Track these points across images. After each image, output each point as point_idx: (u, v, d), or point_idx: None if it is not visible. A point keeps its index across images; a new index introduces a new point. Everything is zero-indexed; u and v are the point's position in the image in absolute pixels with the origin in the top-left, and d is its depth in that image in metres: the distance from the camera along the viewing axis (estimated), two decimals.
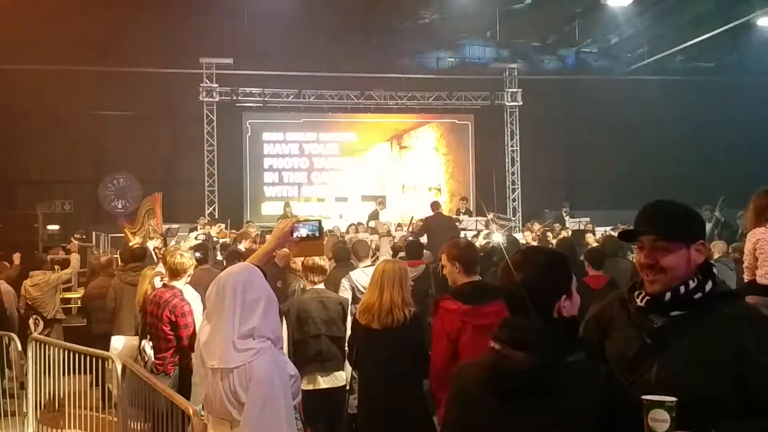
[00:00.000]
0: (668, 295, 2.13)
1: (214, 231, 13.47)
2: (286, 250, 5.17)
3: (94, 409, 6.45)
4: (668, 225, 2.17)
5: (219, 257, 10.54)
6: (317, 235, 3.27)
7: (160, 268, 5.77)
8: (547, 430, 1.93)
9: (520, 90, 19.86)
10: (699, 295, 2.14)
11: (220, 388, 2.84)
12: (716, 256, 8.46)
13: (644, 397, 1.87)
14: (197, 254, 6.70)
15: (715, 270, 2.24)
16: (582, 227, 14.78)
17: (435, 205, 13.04)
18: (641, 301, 2.19)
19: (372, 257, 7.47)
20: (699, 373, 2.00)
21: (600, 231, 13.58)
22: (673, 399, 1.84)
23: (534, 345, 1.95)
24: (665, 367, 2.04)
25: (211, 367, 2.89)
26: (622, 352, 2.16)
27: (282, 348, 3.19)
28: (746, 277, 4.43)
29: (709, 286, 2.15)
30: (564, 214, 17.11)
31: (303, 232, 3.24)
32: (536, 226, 15.10)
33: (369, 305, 4.31)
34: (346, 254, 7.43)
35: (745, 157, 18.73)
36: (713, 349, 2.03)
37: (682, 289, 2.13)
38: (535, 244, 11.96)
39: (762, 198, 4.35)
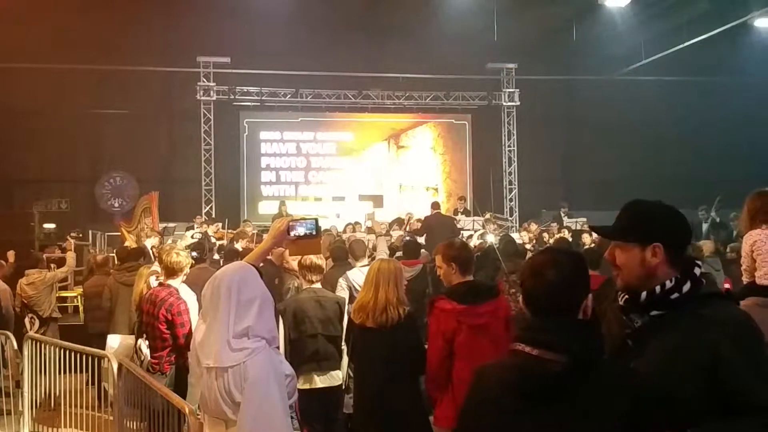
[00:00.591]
0: (644, 295, 2.15)
1: (211, 230, 13.47)
2: (281, 248, 5.16)
3: (89, 408, 6.45)
4: (623, 225, 2.23)
5: (216, 256, 10.53)
6: (314, 233, 3.26)
7: (156, 267, 5.75)
8: (575, 429, 1.91)
9: (518, 90, 19.88)
10: (676, 295, 2.14)
11: (215, 387, 2.83)
12: (705, 255, 8.44)
13: None
14: (194, 253, 6.69)
15: (698, 270, 2.22)
16: (579, 227, 14.78)
17: (435, 205, 13.06)
18: (621, 300, 2.23)
19: (369, 257, 7.47)
20: (671, 372, 2.01)
21: None
22: None
23: (567, 346, 1.93)
24: (641, 366, 2.05)
25: (207, 366, 2.89)
26: (609, 348, 2.16)
27: (278, 347, 3.18)
28: (745, 279, 4.44)
29: (687, 286, 2.15)
30: (562, 214, 17.12)
31: (300, 230, 3.24)
32: (533, 227, 15.09)
33: (363, 304, 4.31)
34: (344, 254, 7.43)
35: (741, 158, 18.77)
36: (687, 349, 2.03)
37: (658, 289, 2.14)
38: (530, 245, 11.98)
39: (756, 200, 4.37)
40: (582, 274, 2.09)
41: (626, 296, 2.21)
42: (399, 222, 14.80)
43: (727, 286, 7.01)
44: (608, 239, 2.27)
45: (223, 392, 2.81)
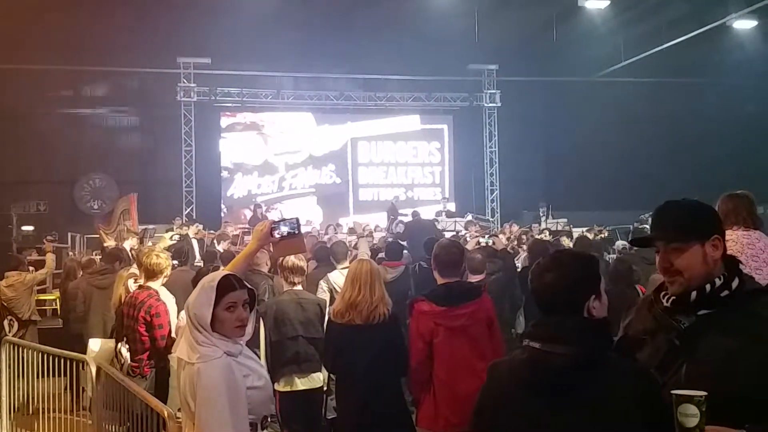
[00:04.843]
0: (693, 295, 2.10)
1: (191, 231, 13.40)
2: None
3: (68, 412, 6.39)
4: (676, 226, 2.16)
5: (197, 257, 10.49)
6: (296, 232, 3.26)
7: (135, 269, 5.71)
8: (588, 425, 1.97)
9: (499, 91, 19.98)
10: (726, 292, 2.11)
11: (182, 388, 2.82)
12: None
13: (673, 392, 1.87)
14: (174, 262, 6.65)
15: (742, 266, 2.25)
16: (560, 228, 14.87)
17: (414, 213, 13.19)
18: (667, 302, 2.17)
19: (351, 258, 7.46)
20: (729, 372, 1.96)
21: (577, 231, 13.67)
22: (703, 393, 1.83)
23: (576, 340, 2.01)
24: (695, 367, 2.01)
25: (174, 356, 2.88)
26: (652, 355, 2.14)
27: (257, 354, 3.16)
28: None
29: (735, 283, 2.12)
30: (541, 215, 17.22)
31: (284, 230, 3.23)
32: (514, 228, 15.16)
33: (353, 302, 4.25)
34: (327, 255, 7.42)
35: (721, 159, 18.95)
36: (745, 348, 1.99)
37: (708, 287, 2.10)
38: (509, 247, 11.97)
39: (728, 202, 4.45)
40: (585, 274, 2.16)
41: (673, 297, 2.15)
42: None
43: None
44: (664, 245, 2.15)
45: (184, 396, 2.80)
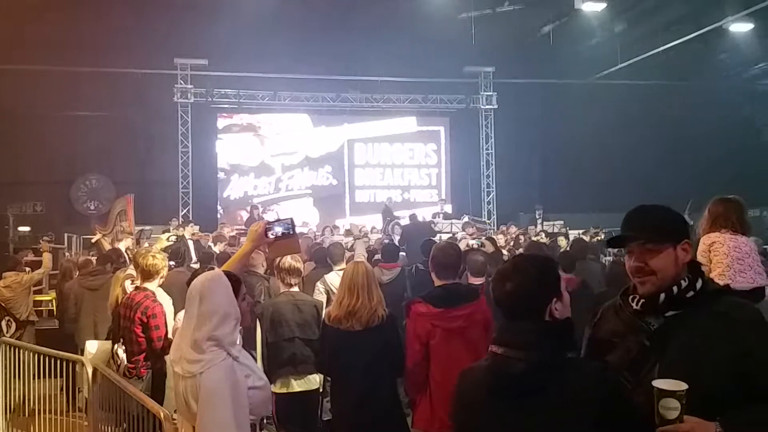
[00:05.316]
0: (662, 297, 2.19)
1: (187, 232, 13.39)
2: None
3: (64, 413, 6.39)
4: (653, 228, 2.23)
5: (194, 258, 10.48)
6: (291, 232, 3.28)
7: (132, 270, 5.71)
8: (549, 426, 2.03)
9: (495, 93, 20.01)
10: (691, 293, 2.20)
11: (180, 391, 2.83)
12: None
13: (655, 384, 1.95)
14: (171, 262, 6.66)
15: (704, 268, 2.31)
16: (556, 230, 14.89)
17: (412, 216, 13.20)
18: (636, 305, 2.24)
19: (347, 259, 7.47)
20: (698, 370, 2.03)
21: (573, 234, 13.70)
22: (684, 387, 1.92)
23: (534, 344, 2.07)
24: (667, 367, 2.07)
25: (176, 371, 2.89)
26: (623, 356, 2.20)
27: (253, 356, 3.16)
28: None
29: (699, 284, 2.22)
30: (537, 217, 17.24)
31: (278, 230, 3.25)
32: (513, 229, 15.19)
33: (352, 310, 4.23)
34: (324, 256, 7.43)
35: (718, 161, 19.01)
36: (710, 347, 2.08)
37: (675, 289, 2.19)
38: (506, 249, 12.01)
39: (719, 206, 4.54)
40: (546, 278, 2.21)
41: (642, 300, 2.22)
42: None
43: None
44: (640, 245, 2.22)
45: (182, 399, 2.81)
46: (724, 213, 4.51)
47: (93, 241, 12.42)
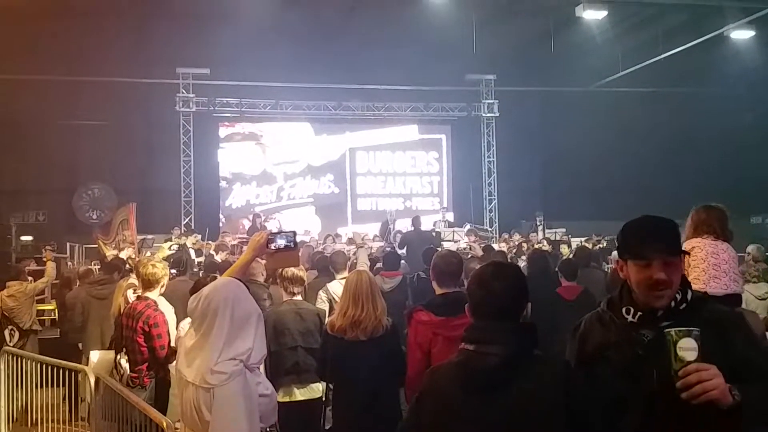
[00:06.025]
0: (661, 311, 2.20)
1: (189, 242, 13.41)
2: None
3: (66, 423, 6.39)
4: (675, 241, 2.24)
5: (195, 269, 10.49)
6: (292, 246, 3.30)
7: (134, 279, 5.73)
8: (516, 417, 2.13)
9: (497, 101, 20.04)
10: (684, 305, 2.23)
11: (189, 400, 2.84)
12: None
13: (668, 330, 1.99)
14: (172, 270, 6.67)
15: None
16: (558, 238, 14.89)
17: (416, 220, 13.15)
18: (633, 317, 2.23)
19: (350, 267, 7.48)
20: None
21: (576, 241, 13.69)
22: (698, 329, 1.96)
23: (506, 340, 2.19)
24: (667, 375, 2.04)
25: (185, 379, 2.89)
26: (617, 367, 2.21)
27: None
28: None
29: (689, 295, 2.25)
30: (537, 224, 17.24)
31: (280, 243, 3.27)
32: (516, 237, 15.19)
33: (357, 320, 4.22)
34: (326, 265, 7.44)
35: (720, 168, 19.02)
36: (706, 354, 2.05)
37: (673, 301, 2.21)
38: (510, 255, 12.01)
39: (702, 213, 4.63)
40: (525, 283, 2.36)
41: (641, 312, 2.22)
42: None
43: None
44: (665, 258, 2.18)
45: (193, 408, 2.81)
46: (707, 220, 4.59)
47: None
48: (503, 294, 2.27)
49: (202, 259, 11.11)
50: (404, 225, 14.84)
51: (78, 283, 9.20)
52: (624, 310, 2.26)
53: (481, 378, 2.18)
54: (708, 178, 18.15)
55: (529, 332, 2.26)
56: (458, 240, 14.20)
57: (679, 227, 2.35)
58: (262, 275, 6.83)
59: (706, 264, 4.42)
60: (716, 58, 18.10)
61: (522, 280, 2.36)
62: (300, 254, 10.11)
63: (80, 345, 7.96)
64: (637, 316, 2.22)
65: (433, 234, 13.66)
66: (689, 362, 1.93)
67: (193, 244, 13.50)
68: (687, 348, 1.93)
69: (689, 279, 4.43)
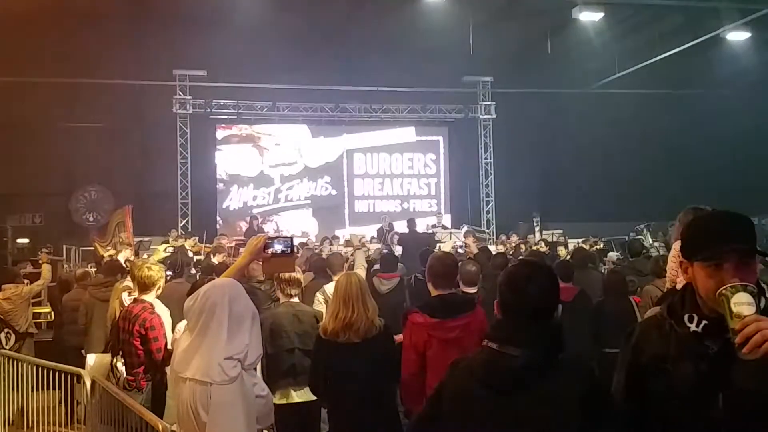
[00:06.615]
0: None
1: (188, 244, 13.38)
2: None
3: (63, 426, 6.39)
4: (752, 240, 1.98)
5: (192, 270, 10.47)
6: (289, 251, 3.30)
7: (129, 282, 5.72)
8: (537, 421, 2.09)
9: (494, 103, 20.05)
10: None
11: (186, 400, 2.83)
12: None
13: (721, 289, 1.83)
14: (169, 272, 6.66)
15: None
16: (555, 239, 14.90)
17: (411, 222, 13.16)
18: (697, 326, 1.98)
19: (347, 269, 7.47)
20: None
21: (573, 243, 13.71)
22: (754, 285, 1.82)
23: (530, 342, 2.14)
24: (734, 398, 1.89)
25: (183, 376, 2.89)
26: (677, 385, 1.99)
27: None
28: (668, 285, 4.58)
29: (762, 302, 1.93)
30: (534, 224, 17.24)
31: (277, 248, 3.27)
32: (514, 238, 15.20)
33: (349, 323, 4.22)
34: (323, 266, 7.43)
35: (716, 170, 19.05)
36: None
37: None
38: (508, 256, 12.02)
39: (689, 215, 4.58)
40: (556, 285, 2.33)
41: (706, 321, 1.96)
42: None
43: None
44: (745, 258, 1.94)
45: (190, 409, 2.81)
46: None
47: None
48: (537, 296, 2.23)
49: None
50: (401, 228, 14.85)
51: (75, 286, 9.18)
52: (687, 317, 2.01)
53: (500, 378, 2.15)
54: (706, 179, 18.18)
55: (556, 335, 2.21)
56: (450, 241, 14.18)
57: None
58: (263, 276, 6.83)
59: None
60: (713, 59, 18.15)
61: (555, 281, 2.33)
62: (300, 255, 10.14)
63: (83, 350, 7.92)
64: (701, 325, 1.97)
65: (429, 233, 13.70)
66: (745, 316, 1.76)
67: (192, 246, 13.48)
68: (743, 302, 1.78)
69: (678, 280, 4.43)
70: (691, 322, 1.99)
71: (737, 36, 17.30)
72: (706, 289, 1.95)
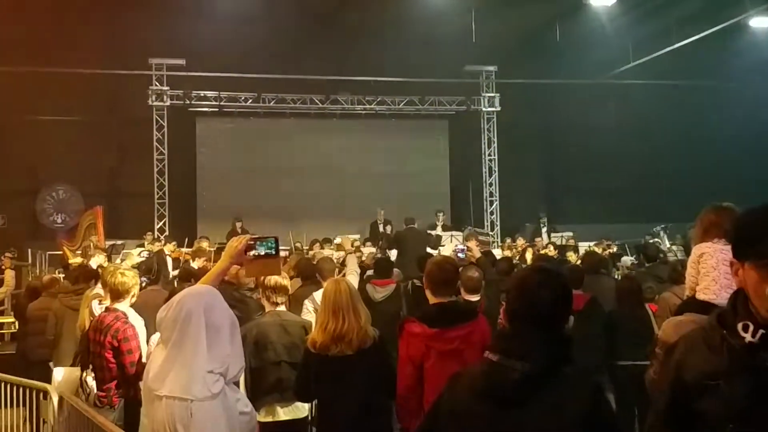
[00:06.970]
0: None
1: (167, 249, 13.35)
2: (236, 267, 5.15)
3: None
4: None
5: (171, 276, 10.46)
6: (274, 253, 3.29)
7: (100, 290, 5.69)
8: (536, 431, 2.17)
9: (498, 95, 20.05)
10: None
11: (162, 419, 2.82)
12: None
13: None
14: (143, 279, 6.62)
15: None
16: (564, 242, 14.91)
17: (408, 220, 13.11)
18: (753, 336, 1.88)
19: (339, 275, 7.46)
20: None
21: (584, 246, 13.71)
22: None
23: (535, 354, 2.18)
24: None
25: (158, 394, 2.87)
26: (729, 404, 1.89)
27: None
28: (687, 293, 4.56)
29: None
30: (541, 225, 17.25)
31: (261, 250, 3.25)
32: (520, 241, 15.21)
33: (339, 334, 4.20)
34: (312, 272, 7.41)
35: (739, 165, 19.08)
36: None
37: None
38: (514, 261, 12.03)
39: (711, 215, 4.53)
40: (569, 294, 2.40)
41: (762, 330, 1.87)
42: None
43: None
44: None
45: (167, 428, 2.80)
46: (717, 222, 4.45)
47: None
48: (549, 303, 2.29)
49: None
50: (398, 227, 14.84)
51: (43, 294, 9.13)
52: (741, 326, 1.90)
53: (499, 392, 2.21)
54: (727, 176, 18.21)
55: (563, 347, 2.28)
56: (451, 245, 14.17)
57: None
58: (254, 284, 6.80)
59: (717, 272, 4.33)
60: (734, 47, 18.18)
61: (569, 290, 2.40)
62: (288, 260, 10.12)
63: (51, 363, 7.88)
64: (758, 335, 1.87)
65: (431, 236, 13.68)
66: None
67: (171, 251, 13.44)
68: None
69: (698, 287, 4.41)
70: (746, 332, 1.90)
71: (762, 23, 17.33)
72: (758, 293, 1.88)
